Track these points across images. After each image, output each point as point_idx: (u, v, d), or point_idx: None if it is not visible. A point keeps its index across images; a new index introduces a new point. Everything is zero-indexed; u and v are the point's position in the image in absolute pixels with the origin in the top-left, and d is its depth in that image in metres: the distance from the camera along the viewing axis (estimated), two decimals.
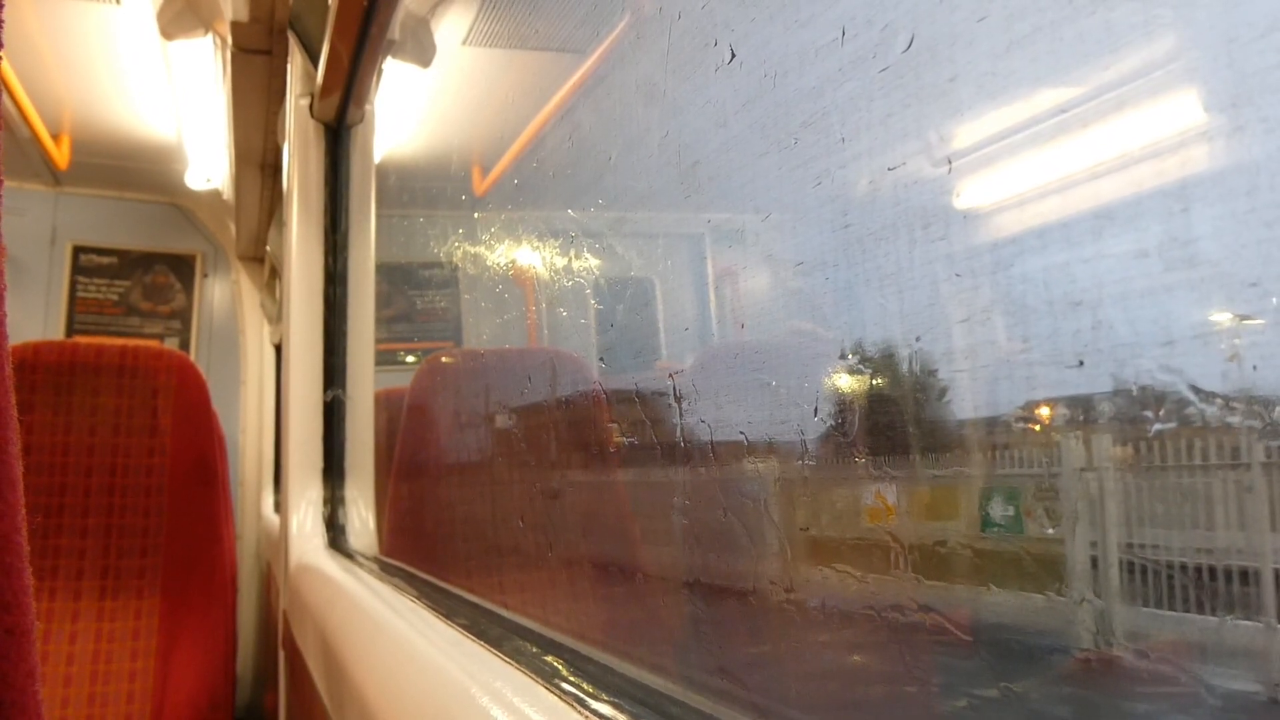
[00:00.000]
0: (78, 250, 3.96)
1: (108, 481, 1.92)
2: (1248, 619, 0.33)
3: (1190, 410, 0.34)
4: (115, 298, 4.00)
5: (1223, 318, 0.33)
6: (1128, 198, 0.36)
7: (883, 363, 0.51)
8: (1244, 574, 0.34)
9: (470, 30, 2.05)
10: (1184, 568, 0.37)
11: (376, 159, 1.67)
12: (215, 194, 3.64)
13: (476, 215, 1.48)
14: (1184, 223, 0.34)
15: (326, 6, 1.42)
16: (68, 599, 1.84)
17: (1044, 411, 0.42)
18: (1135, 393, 0.36)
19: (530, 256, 1.21)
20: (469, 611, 0.92)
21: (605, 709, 0.56)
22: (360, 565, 1.30)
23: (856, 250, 0.51)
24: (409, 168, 2.11)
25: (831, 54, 0.52)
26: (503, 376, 1.43)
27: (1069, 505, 0.41)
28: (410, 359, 3.23)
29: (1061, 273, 0.39)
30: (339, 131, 1.64)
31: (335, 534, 1.51)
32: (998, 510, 0.45)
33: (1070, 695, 0.43)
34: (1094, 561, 0.40)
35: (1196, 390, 0.34)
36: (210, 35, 2.21)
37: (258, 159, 2.58)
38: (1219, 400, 0.33)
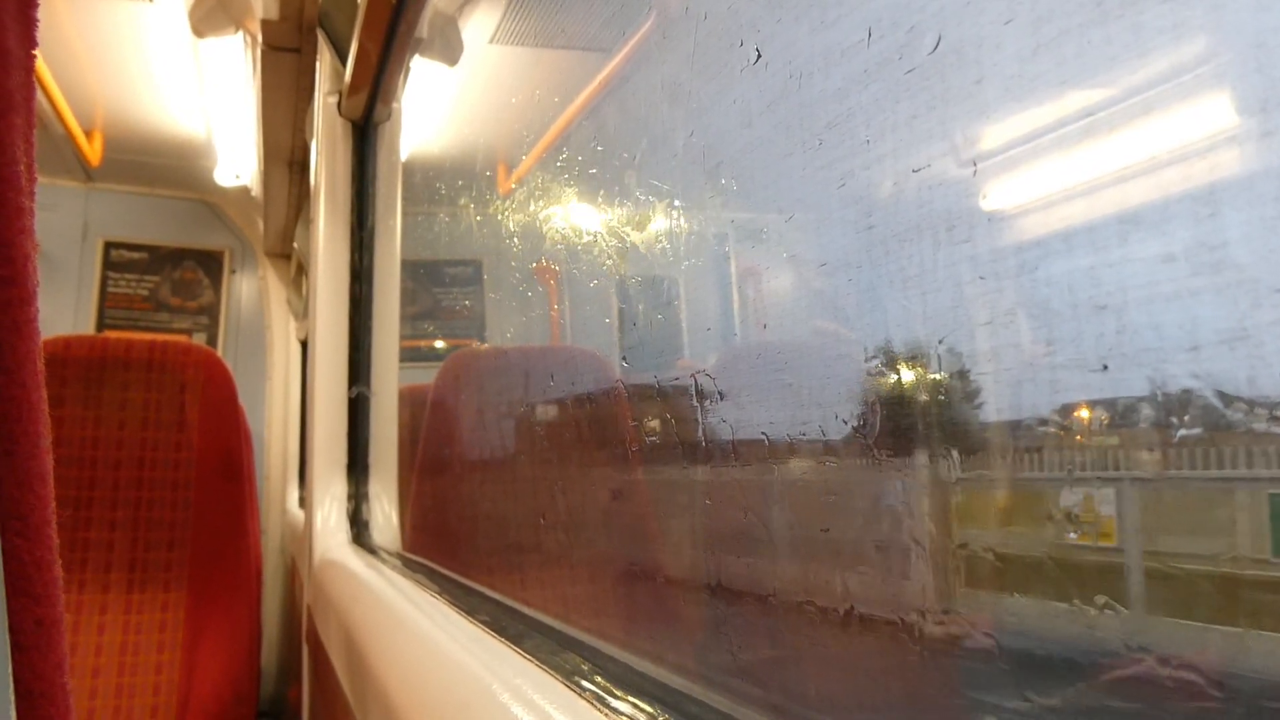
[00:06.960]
0: (109, 246, 4.01)
1: (135, 475, 1.94)
2: None
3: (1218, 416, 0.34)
4: (145, 293, 4.05)
5: (1251, 323, 0.33)
6: (1155, 202, 0.36)
7: (905, 364, 0.50)
8: None
9: (497, 29, 2.06)
10: None
11: (403, 157, 1.68)
12: (244, 191, 3.67)
13: (501, 213, 1.49)
14: (1212, 227, 0.33)
15: (355, 5, 1.43)
16: (96, 591, 1.87)
17: (1072, 415, 0.42)
18: (1160, 398, 0.36)
19: (554, 254, 1.21)
20: (490, 608, 0.92)
21: (625, 707, 0.56)
22: (383, 561, 1.31)
23: (880, 251, 0.51)
24: (435, 165, 2.12)
25: (858, 55, 0.52)
26: (525, 374, 1.44)
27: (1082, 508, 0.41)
28: (438, 347, 3.24)
29: (1087, 276, 0.39)
30: (366, 129, 1.65)
31: (359, 530, 1.52)
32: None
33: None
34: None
35: (1222, 395, 0.33)
36: (240, 33, 2.24)
37: (286, 156, 2.60)
38: (1244, 405, 0.33)
